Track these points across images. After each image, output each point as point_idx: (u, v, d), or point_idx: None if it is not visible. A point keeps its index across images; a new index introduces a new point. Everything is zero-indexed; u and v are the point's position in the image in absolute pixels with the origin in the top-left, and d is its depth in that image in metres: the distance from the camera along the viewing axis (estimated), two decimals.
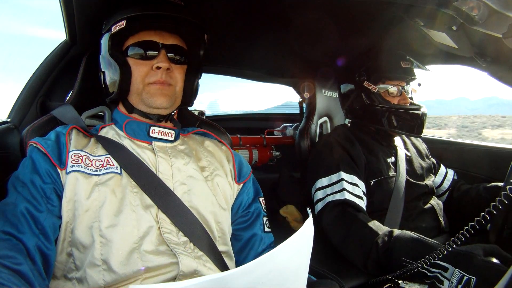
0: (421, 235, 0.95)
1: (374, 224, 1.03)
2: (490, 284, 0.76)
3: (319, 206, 1.16)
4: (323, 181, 1.18)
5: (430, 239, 0.93)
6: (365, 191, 1.17)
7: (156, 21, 0.79)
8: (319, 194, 1.17)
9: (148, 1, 0.78)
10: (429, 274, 0.86)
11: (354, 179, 1.15)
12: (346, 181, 1.14)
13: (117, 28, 0.76)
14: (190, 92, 0.88)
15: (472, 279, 0.78)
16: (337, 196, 1.11)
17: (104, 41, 0.81)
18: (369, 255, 0.98)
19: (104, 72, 0.83)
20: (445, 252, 0.80)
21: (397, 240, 0.94)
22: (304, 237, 0.47)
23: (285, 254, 0.44)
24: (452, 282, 0.81)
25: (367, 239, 0.99)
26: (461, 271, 0.81)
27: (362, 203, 1.12)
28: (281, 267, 0.44)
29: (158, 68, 0.77)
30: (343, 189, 1.12)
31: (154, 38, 0.79)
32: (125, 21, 0.75)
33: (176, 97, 0.82)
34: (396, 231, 0.98)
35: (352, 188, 1.13)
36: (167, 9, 0.77)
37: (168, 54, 0.79)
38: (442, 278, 0.84)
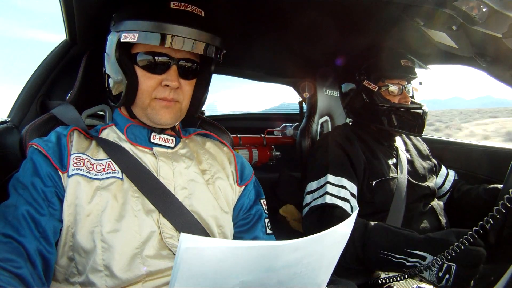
0: (393, 226, 0.96)
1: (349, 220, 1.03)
2: (471, 269, 0.75)
3: (305, 210, 1.16)
4: (313, 185, 1.17)
5: (403, 229, 0.95)
6: (355, 193, 1.14)
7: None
8: (308, 199, 1.17)
9: (165, 10, 0.71)
10: (407, 263, 0.86)
11: (342, 181, 1.13)
12: (332, 184, 1.12)
13: (127, 39, 0.71)
14: (197, 104, 0.85)
15: (452, 266, 0.77)
16: (319, 201, 1.11)
17: (112, 40, 0.75)
18: (347, 250, 0.97)
19: (108, 75, 0.79)
20: (449, 257, 0.79)
21: (372, 232, 0.95)
22: (346, 230, 0.50)
23: (331, 238, 0.47)
24: (432, 270, 0.81)
25: None
26: (440, 259, 0.80)
27: (347, 206, 1.10)
28: (323, 251, 0.47)
29: (167, 85, 0.74)
30: (325, 193, 1.11)
31: (167, 50, 0.74)
32: (137, 35, 0.70)
33: (181, 113, 0.80)
34: (370, 223, 0.98)
35: (338, 191, 1.11)
36: (187, 22, 0.71)
37: (179, 67, 0.75)
38: (420, 266, 0.84)
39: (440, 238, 0.86)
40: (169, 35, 0.69)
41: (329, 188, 1.11)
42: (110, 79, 0.78)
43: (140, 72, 0.75)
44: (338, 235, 0.49)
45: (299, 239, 0.42)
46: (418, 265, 0.84)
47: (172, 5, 0.71)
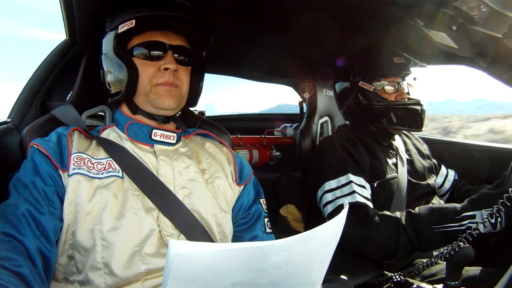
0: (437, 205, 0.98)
1: (388, 213, 1.04)
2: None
3: (329, 208, 1.15)
4: (332, 184, 1.16)
5: (446, 205, 0.98)
6: (370, 193, 1.16)
7: (164, 22, 0.78)
8: (328, 197, 1.16)
9: (156, 1, 0.77)
10: (462, 228, 0.90)
11: (362, 181, 1.14)
12: (355, 183, 1.12)
13: (125, 28, 0.74)
14: (195, 93, 0.89)
15: (501, 209, 0.82)
16: (349, 199, 1.10)
17: (108, 40, 0.79)
18: (399, 240, 0.98)
19: (107, 72, 0.81)
20: (447, 256, 0.81)
21: (420, 216, 0.97)
22: (336, 228, 0.50)
23: (321, 237, 0.47)
24: (485, 222, 0.86)
25: (391, 226, 0.99)
26: (487, 210, 0.86)
27: (371, 205, 1.11)
28: (313, 249, 0.47)
29: (166, 69, 0.77)
30: (354, 192, 1.11)
31: (161, 38, 0.79)
32: (134, 20, 0.74)
33: (182, 98, 0.83)
34: (413, 210, 1.00)
35: (361, 190, 1.12)
36: (175, 10, 0.76)
37: (175, 55, 0.79)
38: (473, 225, 0.88)
39: (479, 196, 0.91)
40: (163, 19, 0.76)
41: (355, 187, 1.12)
42: (109, 75, 0.81)
43: (138, 62, 0.78)
44: (329, 233, 0.49)
45: (286, 238, 0.41)
46: (471, 225, 0.88)
47: None
